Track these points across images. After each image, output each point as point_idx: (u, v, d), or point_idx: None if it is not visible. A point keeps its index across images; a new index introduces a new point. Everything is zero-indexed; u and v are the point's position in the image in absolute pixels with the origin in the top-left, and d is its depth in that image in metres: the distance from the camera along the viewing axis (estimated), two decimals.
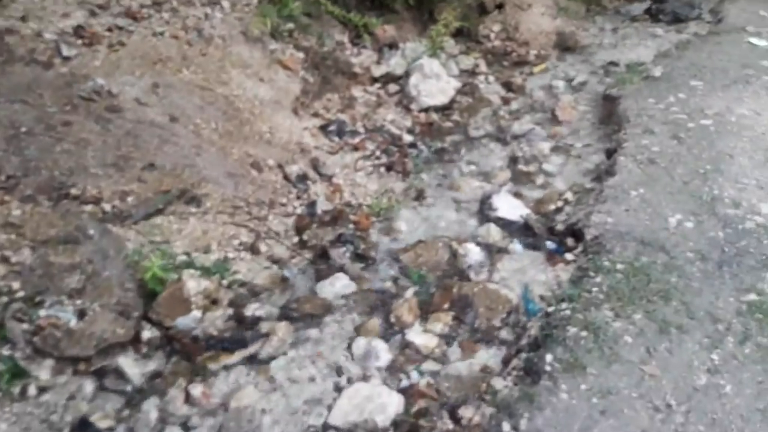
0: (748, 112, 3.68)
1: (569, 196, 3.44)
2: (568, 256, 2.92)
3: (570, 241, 2.99)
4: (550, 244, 3.04)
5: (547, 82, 4.99)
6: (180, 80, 3.87)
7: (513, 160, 3.94)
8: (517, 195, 3.54)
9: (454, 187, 3.66)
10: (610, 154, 3.66)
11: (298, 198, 3.48)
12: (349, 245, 3.07)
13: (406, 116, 4.54)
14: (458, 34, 5.49)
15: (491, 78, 5.11)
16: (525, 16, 5.73)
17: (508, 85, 4.98)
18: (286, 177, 3.62)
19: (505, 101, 4.78)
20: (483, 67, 5.26)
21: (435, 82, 4.64)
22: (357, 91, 4.71)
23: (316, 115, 4.32)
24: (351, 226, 3.27)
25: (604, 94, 4.41)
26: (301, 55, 4.64)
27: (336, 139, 4.10)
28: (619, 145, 3.56)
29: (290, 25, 4.71)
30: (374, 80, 4.89)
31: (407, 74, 4.77)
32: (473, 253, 2.99)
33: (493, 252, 3.04)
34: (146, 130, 3.45)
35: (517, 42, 5.58)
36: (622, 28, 5.83)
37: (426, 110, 4.56)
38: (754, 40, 4.73)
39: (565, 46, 5.57)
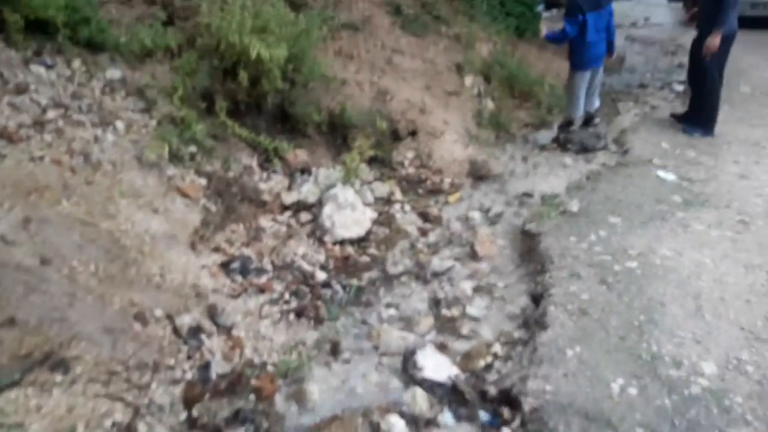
0: (669, 253, 3.61)
1: (498, 349, 3.13)
2: (505, 431, 2.54)
3: (506, 412, 2.63)
4: (483, 415, 2.66)
5: (463, 213, 4.84)
6: (58, 213, 3.33)
7: (435, 303, 3.62)
8: (443, 347, 3.19)
9: (373, 337, 3.25)
10: (536, 299, 3.43)
11: (189, 358, 2.94)
12: (249, 424, 2.54)
13: (319, 249, 4.18)
14: (373, 160, 5.34)
15: (407, 207, 4.91)
16: (438, 144, 5.69)
17: (424, 215, 4.78)
18: (176, 330, 3.09)
19: (423, 232, 4.55)
20: (398, 195, 5.08)
21: (350, 213, 4.35)
22: (265, 221, 4.33)
23: (217, 249, 3.86)
24: (252, 396, 2.75)
25: (522, 229, 4.28)
26: (203, 181, 4.25)
27: (239, 278, 3.64)
28: (546, 290, 3.34)
29: (192, 149, 4.34)
30: (285, 208, 4.55)
31: (320, 203, 4.47)
32: (398, 430, 2.54)
33: (421, 426, 2.61)
34: (10, 275, 2.85)
35: (431, 170, 5.49)
36: (532, 156, 5.90)
37: (341, 243, 4.23)
38: (661, 174, 4.85)
39: (478, 174, 5.53)
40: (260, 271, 3.73)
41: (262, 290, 3.57)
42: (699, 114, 6.08)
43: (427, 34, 6.94)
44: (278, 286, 3.63)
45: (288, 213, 4.48)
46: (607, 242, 3.76)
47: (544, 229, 4.03)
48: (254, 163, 4.81)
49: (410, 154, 5.63)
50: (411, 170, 5.51)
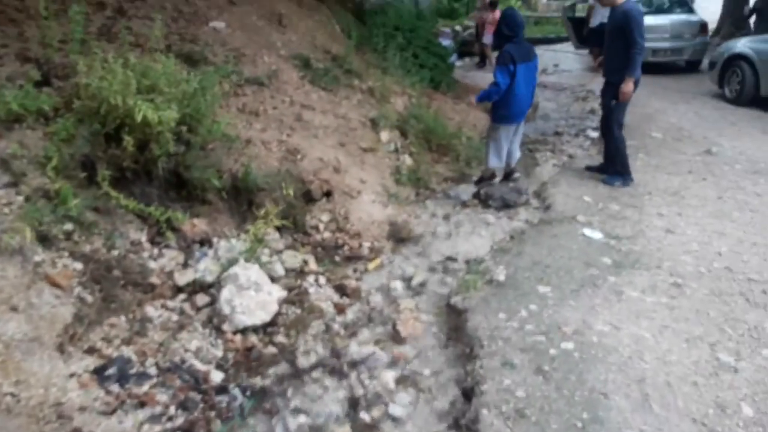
0: (606, 328, 3.31)
1: None
2: None
3: None
4: None
5: (384, 282, 4.41)
6: None
7: (353, 404, 3.13)
8: None
9: None
10: (466, 392, 3.01)
11: None
12: None
13: (216, 341, 3.60)
14: (284, 226, 4.84)
15: (322, 279, 4.43)
16: (355, 205, 5.28)
17: (341, 289, 4.31)
18: None
19: (340, 309, 4.07)
20: (312, 265, 4.59)
21: (254, 295, 3.81)
22: (153, 309, 3.72)
23: (91, 351, 3.23)
24: None
25: (448, 302, 3.89)
26: (78, 265, 3.61)
27: (115, 388, 3.02)
28: (477, 384, 2.93)
29: (68, 227, 3.71)
30: (178, 290, 3.95)
31: (220, 283, 3.92)
32: None
33: None
34: None
35: (349, 233, 5.05)
36: (454, 214, 5.59)
37: (243, 331, 3.68)
38: (587, 232, 4.62)
39: (398, 236, 5.14)
40: (142, 376, 3.12)
41: (142, 403, 2.96)
42: (615, 163, 6.02)
43: (339, 89, 6.60)
44: (163, 396, 3.03)
45: (181, 296, 3.90)
46: (538, 318, 3.41)
47: (471, 303, 3.66)
48: (144, 237, 4.20)
49: (325, 217, 5.18)
50: (326, 235, 5.05)
